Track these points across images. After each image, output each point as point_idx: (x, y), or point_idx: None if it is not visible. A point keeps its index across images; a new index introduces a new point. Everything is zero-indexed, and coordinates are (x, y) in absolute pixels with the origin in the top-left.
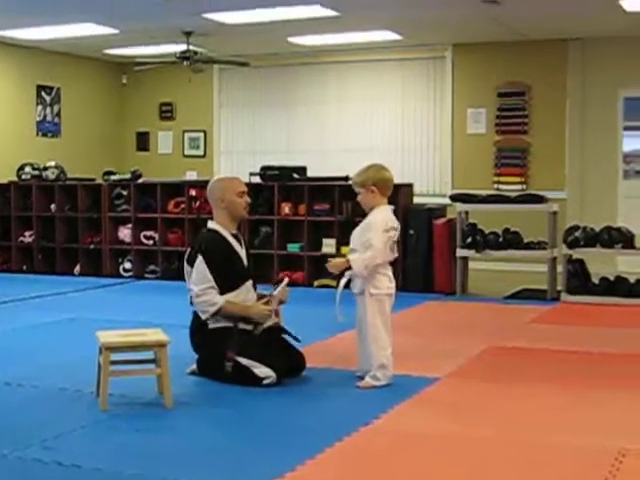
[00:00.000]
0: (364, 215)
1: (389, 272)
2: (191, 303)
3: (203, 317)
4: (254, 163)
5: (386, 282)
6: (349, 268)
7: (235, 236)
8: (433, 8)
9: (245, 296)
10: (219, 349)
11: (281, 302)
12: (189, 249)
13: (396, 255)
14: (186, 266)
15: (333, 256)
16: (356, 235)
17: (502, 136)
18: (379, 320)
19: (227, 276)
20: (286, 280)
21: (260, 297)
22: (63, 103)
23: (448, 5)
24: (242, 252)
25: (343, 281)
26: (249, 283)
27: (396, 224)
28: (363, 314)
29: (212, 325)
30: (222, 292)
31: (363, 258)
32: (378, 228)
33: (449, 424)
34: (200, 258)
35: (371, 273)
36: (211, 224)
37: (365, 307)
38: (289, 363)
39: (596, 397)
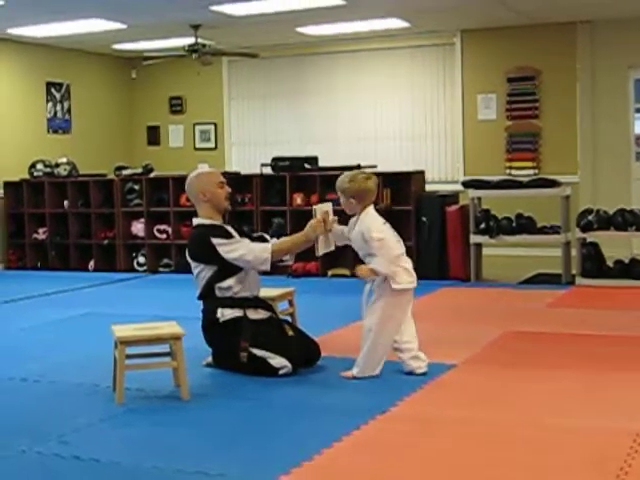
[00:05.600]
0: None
1: (407, 265)
2: (198, 298)
3: (267, 267)
4: (265, 154)
5: (405, 276)
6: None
7: None
8: None
9: (250, 279)
10: (232, 341)
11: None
12: (187, 250)
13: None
14: (191, 261)
15: (346, 245)
16: (360, 244)
17: (513, 121)
18: (393, 318)
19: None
20: (329, 204)
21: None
22: (73, 99)
23: None
24: (237, 236)
25: (367, 288)
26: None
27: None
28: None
29: (222, 319)
30: (225, 276)
31: (384, 256)
32: (377, 225)
33: (467, 409)
34: (215, 240)
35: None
36: (196, 220)
37: (382, 304)
38: (304, 353)
39: (614, 380)
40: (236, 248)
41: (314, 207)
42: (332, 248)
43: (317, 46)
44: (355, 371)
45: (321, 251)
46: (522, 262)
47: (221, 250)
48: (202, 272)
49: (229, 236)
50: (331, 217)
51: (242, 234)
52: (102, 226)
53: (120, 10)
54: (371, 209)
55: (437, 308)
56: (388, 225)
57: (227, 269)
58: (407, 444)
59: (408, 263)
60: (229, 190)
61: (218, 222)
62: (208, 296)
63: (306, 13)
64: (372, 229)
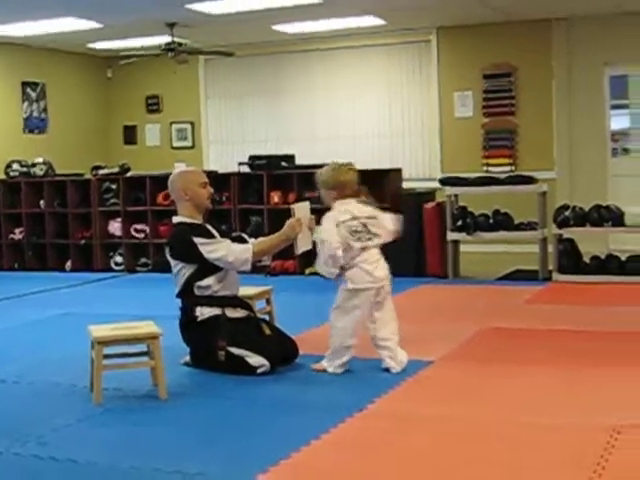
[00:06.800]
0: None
1: (368, 266)
2: (177, 296)
3: (248, 267)
4: (243, 153)
5: (361, 276)
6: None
7: None
8: None
9: (230, 278)
10: (210, 339)
11: (309, 228)
12: (168, 247)
13: (367, 244)
14: (170, 259)
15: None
16: None
17: (489, 118)
18: (342, 310)
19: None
20: (307, 203)
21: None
22: (49, 99)
23: None
24: (218, 236)
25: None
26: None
27: (356, 213)
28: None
29: (200, 317)
30: (206, 275)
31: (319, 257)
32: (327, 223)
33: (444, 406)
34: (196, 239)
35: (348, 267)
36: (177, 218)
37: (338, 295)
38: (282, 351)
39: (591, 375)
40: (217, 248)
41: (292, 206)
42: (310, 247)
43: (294, 44)
44: (326, 364)
45: (300, 250)
46: (499, 258)
47: (202, 249)
48: (182, 270)
49: (210, 236)
50: (309, 216)
51: (222, 234)
52: (79, 226)
53: (95, 9)
54: (346, 202)
55: (415, 305)
56: (354, 222)
57: (207, 268)
58: (385, 442)
59: (370, 264)
60: (211, 190)
61: (198, 221)
62: (187, 294)
63: (282, 11)
64: (322, 227)
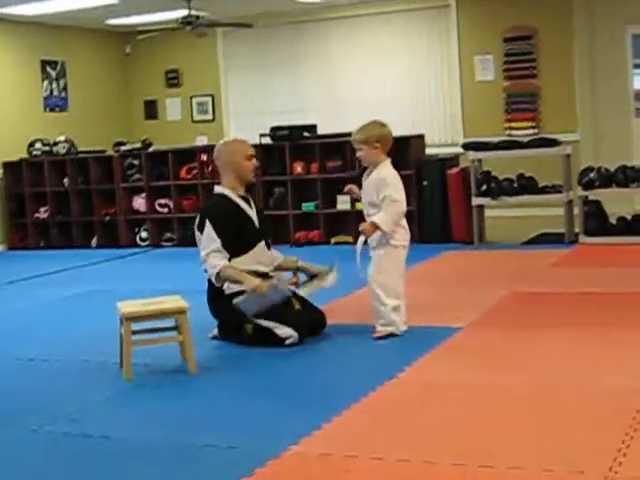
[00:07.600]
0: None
1: (404, 223)
2: (205, 270)
3: (216, 284)
4: (264, 124)
5: (403, 234)
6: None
7: (244, 198)
8: None
9: (260, 257)
10: (238, 312)
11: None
12: (198, 216)
13: None
14: (196, 233)
15: (348, 213)
16: (371, 191)
17: (511, 81)
18: (393, 269)
19: (238, 239)
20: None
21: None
22: (69, 77)
23: None
24: (252, 213)
25: (361, 239)
26: (262, 244)
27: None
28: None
29: (228, 291)
30: (235, 255)
31: (389, 215)
32: (395, 182)
33: (475, 373)
34: (208, 224)
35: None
36: (218, 188)
37: (381, 258)
38: (310, 322)
39: (619, 338)
40: (205, 246)
41: (280, 279)
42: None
43: (311, 13)
44: (387, 328)
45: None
46: (525, 222)
47: (203, 234)
48: None
49: (222, 226)
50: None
51: (259, 212)
52: (103, 202)
53: None
54: (389, 161)
55: (441, 272)
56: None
57: (229, 248)
58: (416, 410)
59: (404, 221)
60: (256, 164)
61: (238, 194)
62: None
63: None
64: (390, 185)
